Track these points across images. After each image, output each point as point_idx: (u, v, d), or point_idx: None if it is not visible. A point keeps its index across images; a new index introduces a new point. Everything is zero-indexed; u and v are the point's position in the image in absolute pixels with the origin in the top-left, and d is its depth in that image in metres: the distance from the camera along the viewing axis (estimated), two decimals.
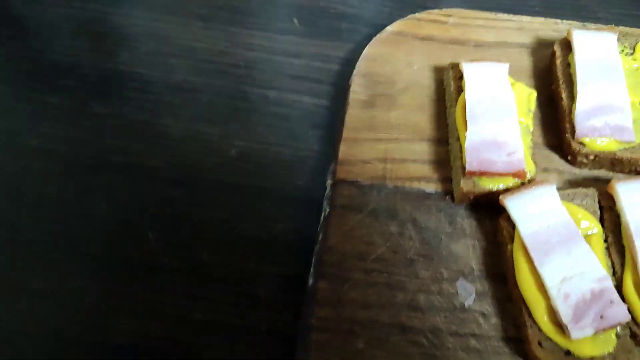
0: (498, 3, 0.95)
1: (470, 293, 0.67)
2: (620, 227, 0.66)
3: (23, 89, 0.87)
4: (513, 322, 0.65)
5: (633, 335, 0.62)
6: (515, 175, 0.69)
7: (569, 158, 0.75)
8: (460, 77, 0.77)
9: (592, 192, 0.70)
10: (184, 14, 0.95)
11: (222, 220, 0.76)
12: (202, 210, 0.77)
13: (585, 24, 0.87)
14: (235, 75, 0.88)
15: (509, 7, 0.94)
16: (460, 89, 0.76)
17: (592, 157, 0.73)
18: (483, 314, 0.66)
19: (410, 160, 0.76)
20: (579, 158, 0.74)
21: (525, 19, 0.88)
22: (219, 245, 0.74)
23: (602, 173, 0.75)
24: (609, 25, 0.83)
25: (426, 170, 0.75)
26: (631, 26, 0.84)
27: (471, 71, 0.76)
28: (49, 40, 0.92)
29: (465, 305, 0.66)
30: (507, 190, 0.69)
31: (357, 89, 0.82)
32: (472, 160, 0.70)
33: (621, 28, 0.82)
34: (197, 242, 0.74)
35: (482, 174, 0.69)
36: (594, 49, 0.77)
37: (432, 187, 0.74)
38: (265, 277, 0.72)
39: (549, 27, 0.87)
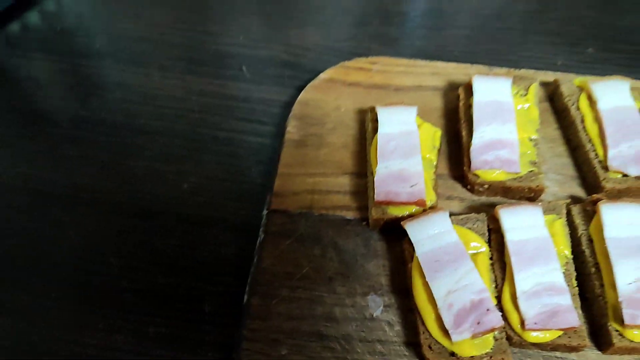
0: (422, 50, 1.08)
1: (378, 305, 0.79)
2: (504, 247, 0.78)
3: (5, 134, 1.00)
4: (413, 330, 0.76)
5: (508, 338, 0.74)
6: (416, 203, 0.81)
7: (468, 187, 0.87)
8: (376, 119, 0.90)
9: (482, 216, 0.82)
10: (147, 65, 1.09)
11: (175, 246, 0.88)
12: (158, 239, 0.88)
13: (492, 68, 0.99)
14: (190, 119, 1.01)
15: (432, 53, 1.06)
16: (376, 129, 0.89)
17: (486, 186, 0.85)
18: (389, 323, 0.78)
19: (334, 191, 0.89)
20: (476, 187, 0.86)
21: (440, 64, 1.01)
22: (172, 268, 0.86)
23: (497, 199, 0.87)
24: (508, 70, 0.95)
25: (347, 200, 0.88)
26: (541, 66, 0.96)
27: (384, 114, 0.89)
28: (28, 90, 1.06)
29: (374, 315, 0.78)
30: (410, 217, 0.81)
31: (292, 129, 0.95)
32: (380, 191, 0.82)
33: (517, 72, 0.95)
34: (153, 266, 0.86)
35: (388, 203, 0.82)
36: (491, 92, 0.90)
37: (351, 215, 0.86)
38: (210, 295, 0.84)
39: (461, 72, 0.99)
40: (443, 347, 0.73)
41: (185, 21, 1.15)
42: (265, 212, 0.87)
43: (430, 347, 0.73)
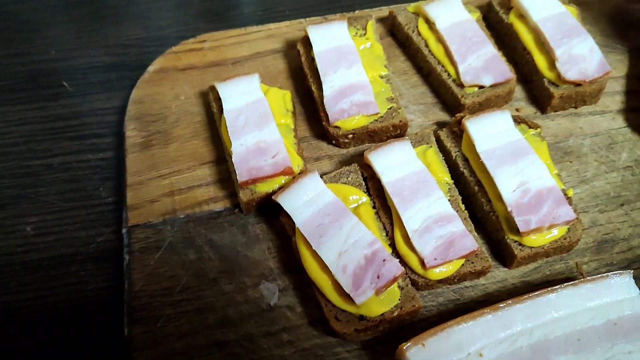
0: (251, 17, 1.01)
1: (273, 292, 0.72)
2: (383, 191, 0.74)
3: None
4: (315, 306, 0.70)
5: (414, 283, 0.69)
6: (283, 173, 0.75)
7: (333, 142, 0.82)
8: (219, 97, 0.82)
9: (354, 167, 0.77)
10: None
11: (30, 299, 0.76)
12: (10, 296, 0.76)
13: (326, 16, 0.94)
14: (16, 153, 0.88)
15: (262, 17, 1.00)
16: (221, 108, 0.81)
17: (350, 136, 0.80)
18: (289, 307, 0.71)
19: (196, 186, 0.80)
20: (341, 140, 0.81)
21: (273, 25, 0.94)
22: (35, 325, 0.74)
23: (366, 146, 0.82)
24: (342, 14, 0.90)
25: (212, 191, 0.79)
26: (376, 3, 0.92)
27: (225, 89, 0.81)
28: None
29: (272, 304, 0.71)
30: (281, 188, 0.74)
31: (131, 133, 0.85)
32: (241, 171, 0.74)
33: (351, 14, 0.90)
34: (12, 327, 0.74)
35: (254, 181, 0.74)
36: (329, 40, 0.85)
37: (220, 206, 0.78)
38: (86, 340, 0.73)
39: (295, 28, 0.94)
40: (350, 313, 0.67)
41: None
42: (124, 230, 0.77)
43: (337, 318, 0.67)
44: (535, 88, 0.86)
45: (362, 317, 0.67)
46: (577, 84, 0.82)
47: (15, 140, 0.89)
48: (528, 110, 0.86)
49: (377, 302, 0.66)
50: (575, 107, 0.85)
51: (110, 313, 0.74)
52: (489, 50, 0.84)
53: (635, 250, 0.73)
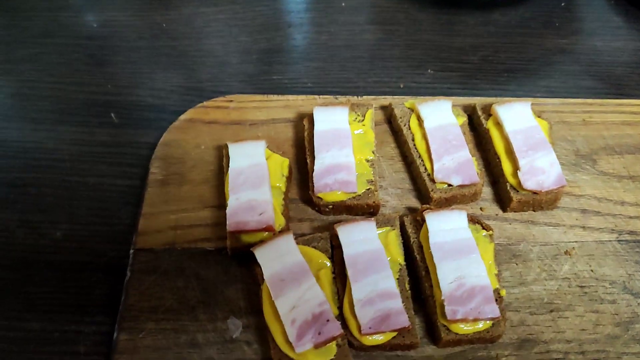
0: (277, 84, 1.17)
1: (238, 327, 0.86)
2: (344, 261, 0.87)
3: None
4: (268, 346, 0.84)
5: (350, 344, 0.82)
6: (265, 229, 0.89)
7: (316, 209, 0.96)
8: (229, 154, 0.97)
9: (325, 235, 0.90)
10: (18, 118, 1.13)
11: (49, 293, 0.92)
12: (32, 287, 0.92)
13: (337, 97, 1.09)
14: (61, 168, 1.06)
15: (287, 86, 1.16)
16: (229, 165, 0.96)
17: (330, 206, 0.94)
18: (247, 342, 0.85)
19: (196, 225, 0.95)
20: (322, 208, 0.95)
21: (291, 97, 1.10)
22: (47, 314, 0.89)
23: (343, 217, 0.96)
24: (346, 98, 1.05)
25: (208, 232, 0.94)
26: (386, 89, 1.07)
27: (234, 149, 0.97)
28: None
29: (234, 337, 0.85)
30: (261, 242, 0.89)
31: (155, 170, 1.01)
32: (231, 222, 0.89)
33: (356, 99, 1.04)
34: (27, 314, 0.90)
35: (240, 232, 0.89)
36: (330, 121, 0.99)
37: (212, 245, 0.93)
38: (85, 336, 0.88)
39: (309, 103, 1.09)
40: (291, 359, 0.80)
41: (53, 74, 1.20)
42: (131, 251, 0.93)
43: None
44: (500, 190, 0.98)
45: None
46: (534, 192, 0.93)
47: (62, 157, 1.07)
48: (491, 210, 0.97)
49: (314, 354, 0.80)
50: (534, 210, 0.96)
51: (106, 318, 0.89)
52: (464, 154, 0.96)
53: (551, 354, 0.83)
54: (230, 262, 0.92)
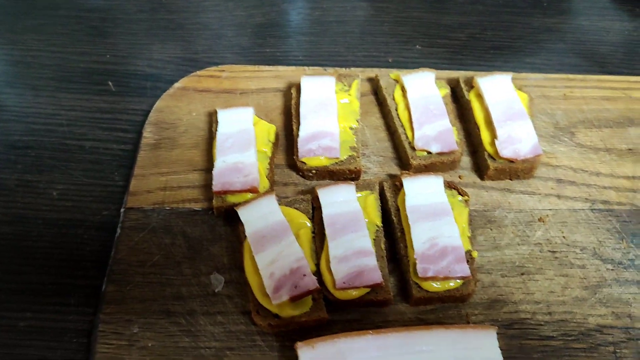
0: (270, 56, 1.20)
1: (220, 282, 0.90)
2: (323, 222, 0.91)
3: None
4: (248, 300, 0.88)
5: (326, 299, 0.86)
6: (249, 190, 0.93)
7: (300, 173, 1.00)
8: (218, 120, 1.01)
9: (307, 197, 0.94)
10: (21, 85, 1.17)
11: (45, 248, 0.96)
12: (30, 242, 0.97)
13: (327, 68, 1.12)
14: (59, 132, 1.10)
15: (279, 58, 1.19)
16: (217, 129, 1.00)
17: (313, 171, 0.98)
18: (228, 296, 0.89)
19: (184, 187, 0.99)
20: (306, 173, 0.99)
21: (282, 68, 1.13)
22: (43, 268, 0.94)
23: (326, 182, 1.00)
24: (336, 69, 1.08)
25: (196, 193, 0.99)
26: (375, 63, 1.10)
27: (223, 115, 1.01)
28: None
29: (216, 291, 0.89)
30: (245, 202, 0.93)
31: (148, 135, 1.05)
32: (217, 182, 0.94)
33: (343, 70, 1.08)
34: (25, 267, 0.95)
35: (225, 192, 0.93)
36: (316, 90, 1.03)
37: (200, 206, 0.97)
38: (76, 288, 0.92)
39: (299, 74, 1.12)
40: (268, 311, 0.84)
41: (55, 44, 1.24)
42: (122, 210, 0.97)
43: (257, 312, 0.84)
44: (478, 159, 1.01)
45: (276, 316, 0.84)
46: (510, 161, 0.96)
47: (61, 121, 1.12)
48: (469, 178, 1.01)
49: (291, 306, 0.83)
50: (510, 179, 1.00)
51: (97, 272, 0.94)
52: (444, 123, 0.99)
53: (520, 314, 0.87)
54: (216, 222, 0.96)
